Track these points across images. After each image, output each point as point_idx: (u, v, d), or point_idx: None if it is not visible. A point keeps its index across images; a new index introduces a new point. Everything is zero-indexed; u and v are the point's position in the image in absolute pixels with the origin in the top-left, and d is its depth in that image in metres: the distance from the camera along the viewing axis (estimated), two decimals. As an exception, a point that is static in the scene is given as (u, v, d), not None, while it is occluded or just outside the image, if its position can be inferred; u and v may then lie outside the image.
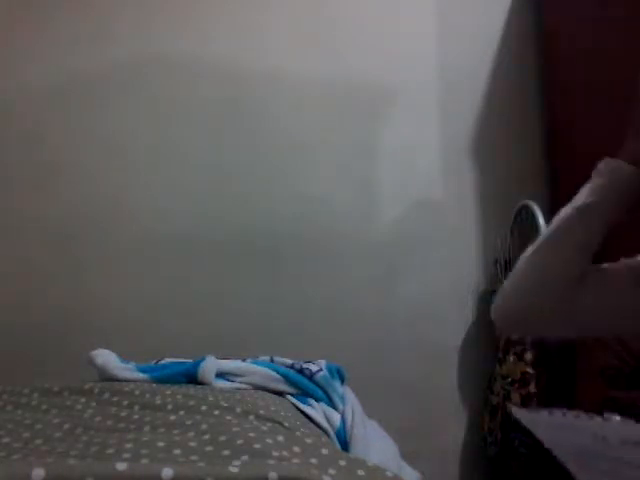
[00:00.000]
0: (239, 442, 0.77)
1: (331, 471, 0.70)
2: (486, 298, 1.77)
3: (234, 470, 0.65)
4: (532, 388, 1.53)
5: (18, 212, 1.73)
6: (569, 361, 1.61)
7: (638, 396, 1.34)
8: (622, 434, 0.43)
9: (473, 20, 1.88)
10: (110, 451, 0.73)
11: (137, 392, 1.05)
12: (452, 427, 1.78)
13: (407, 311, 1.78)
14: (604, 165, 0.74)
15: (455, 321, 1.79)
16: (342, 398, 1.25)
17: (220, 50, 1.81)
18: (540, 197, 1.72)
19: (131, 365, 1.24)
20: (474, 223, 1.83)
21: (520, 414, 0.51)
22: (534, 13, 1.88)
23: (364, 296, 1.77)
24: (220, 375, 1.20)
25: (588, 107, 1.61)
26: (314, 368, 1.27)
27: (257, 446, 0.76)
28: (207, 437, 0.80)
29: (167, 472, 0.63)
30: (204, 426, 0.86)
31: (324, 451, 0.79)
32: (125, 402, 1.01)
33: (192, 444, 0.77)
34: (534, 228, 1.58)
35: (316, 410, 1.17)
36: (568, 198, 0.75)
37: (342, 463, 0.74)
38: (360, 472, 0.72)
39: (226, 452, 0.74)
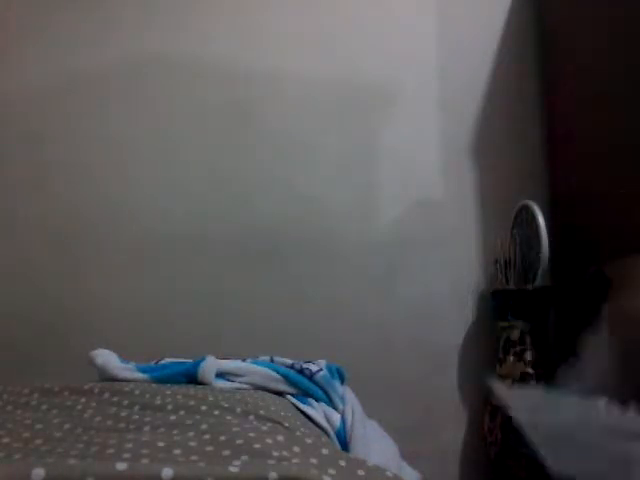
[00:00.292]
0: (239, 442, 0.77)
1: (331, 471, 0.70)
2: (486, 298, 1.78)
3: (234, 470, 0.65)
4: (532, 388, 1.54)
5: (18, 212, 1.73)
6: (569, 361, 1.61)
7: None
8: (609, 422, 0.41)
9: (473, 20, 1.88)
10: (110, 451, 0.73)
11: (137, 392, 1.05)
12: (452, 427, 1.78)
13: (407, 311, 1.78)
14: None
15: (455, 321, 1.80)
16: (342, 398, 1.25)
17: (220, 50, 1.81)
18: (540, 197, 1.72)
19: (131, 365, 1.24)
20: (474, 223, 1.83)
21: (501, 391, 0.50)
22: (534, 13, 1.88)
23: (364, 296, 1.77)
24: (220, 375, 1.20)
25: (588, 107, 1.61)
26: (314, 368, 1.26)
27: (257, 446, 0.76)
28: (207, 437, 0.80)
29: (167, 472, 0.63)
30: (204, 426, 0.86)
31: (324, 451, 0.79)
32: (125, 402, 1.01)
33: (192, 444, 0.77)
34: (534, 228, 1.58)
35: (316, 410, 1.17)
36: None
37: (342, 463, 0.74)
38: (360, 472, 0.72)
39: (226, 452, 0.74)
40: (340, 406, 1.22)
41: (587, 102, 1.61)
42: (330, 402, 1.22)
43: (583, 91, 1.64)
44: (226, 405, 0.99)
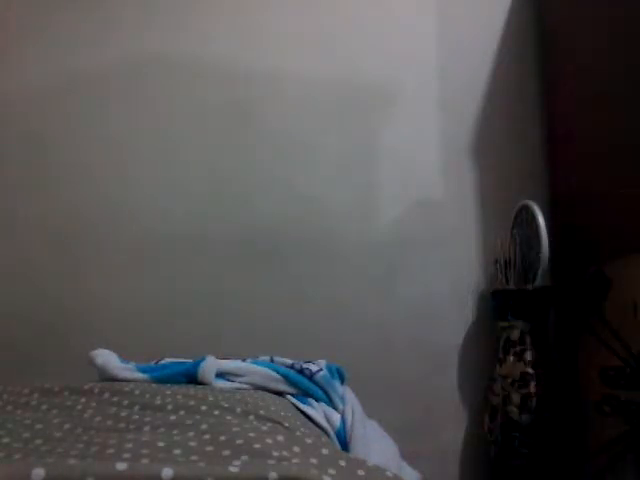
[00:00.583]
0: (239, 442, 0.77)
1: (331, 471, 0.70)
2: (486, 298, 1.78)
3: (234, 470, 0.65)
4: (532, 388, 1.54)
5: (18, 212, 1.73)
6: (569, 361, 1.61)
7: (638, 396, 1.34)
8: None
9: (473, 20, 1.88)
10: (110, 451, 0.73)
11: (137, 392, 1.05)
12: (452, 427, 1.78)
13: (407, 311, 1.78)
14: None
15: (455, 321, 1.80)
16: (342, 398, 1.25)
17: (220, 50, 1.81)
18: (540, 197, 1.72)
19: (131, 365, 1.24)
20: (474, 223, 1.83)
21: None
22: (534, 13, 1.88)
23: (364, 296, 1.77)
24: (220, 375, 1.20)
25: (588, 107, 1.61)
26: (314, 368, 1.26)
27: (257, 446, 0.76)
28: (207, 437, 0.80)
29: (167, 472, 0.63)
30: (204, 426, 0.86)
31: (324, 451, 0.79)
32: (125, 402, 1.01)
33: (192, 444, 0.77)
34: (534, 228, 1.58)
35: (316, 410, 1.17)
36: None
37: (342, 463, 0.74)
38: (360, 472, 0.72)
39: (226, 452, 0.74)
40: (340, 406, 1.22)
41: (587, 102, 1.61)
42: (330, 402, 1.22)
43: (583, 91, 1.64)
44: (226, 405, 0.99)
